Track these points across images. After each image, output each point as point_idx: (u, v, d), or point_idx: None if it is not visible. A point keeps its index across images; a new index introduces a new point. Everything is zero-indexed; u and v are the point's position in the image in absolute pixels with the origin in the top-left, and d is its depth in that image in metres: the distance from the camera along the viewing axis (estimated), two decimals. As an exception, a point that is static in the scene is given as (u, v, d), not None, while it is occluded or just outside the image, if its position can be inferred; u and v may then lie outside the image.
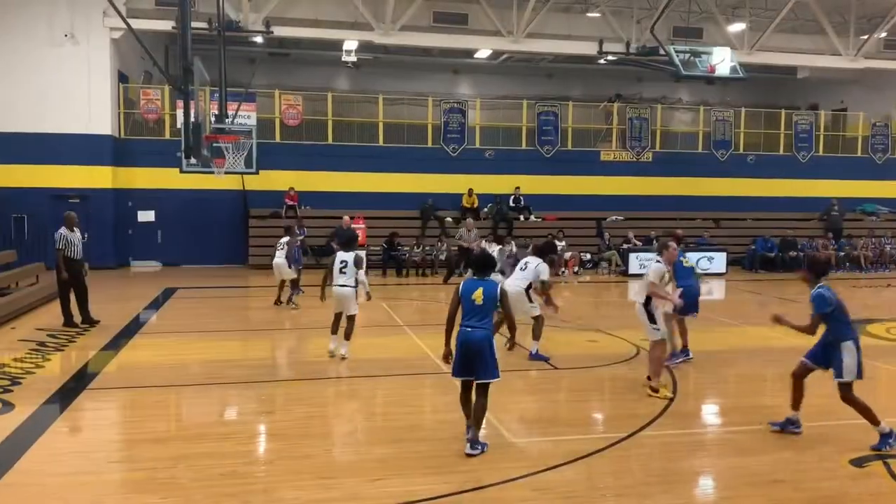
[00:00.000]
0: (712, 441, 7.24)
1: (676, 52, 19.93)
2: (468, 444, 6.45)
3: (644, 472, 6.20)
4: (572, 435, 7.15)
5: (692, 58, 20.05)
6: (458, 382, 6.66)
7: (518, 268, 10.35)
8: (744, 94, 29.86)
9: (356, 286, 9.83)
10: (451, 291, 6.71)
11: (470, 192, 23.52)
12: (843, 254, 23.19)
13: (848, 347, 6.75)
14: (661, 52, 21.38)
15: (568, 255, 21.63)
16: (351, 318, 9.81)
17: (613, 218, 24.18)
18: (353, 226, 19.94)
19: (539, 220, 23.62)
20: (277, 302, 14.51)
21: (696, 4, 22.53)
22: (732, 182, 25.59)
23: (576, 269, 21.68)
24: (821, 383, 9.74)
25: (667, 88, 30.54)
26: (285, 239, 14.55)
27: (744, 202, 25.49)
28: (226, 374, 9.48)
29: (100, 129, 20.72)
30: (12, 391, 8.30)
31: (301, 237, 17.87)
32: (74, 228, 12.37)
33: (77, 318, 12.26)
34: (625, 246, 21.90)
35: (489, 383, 6.46)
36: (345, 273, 9.73)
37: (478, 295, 6.44)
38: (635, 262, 21.12)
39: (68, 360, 9.99)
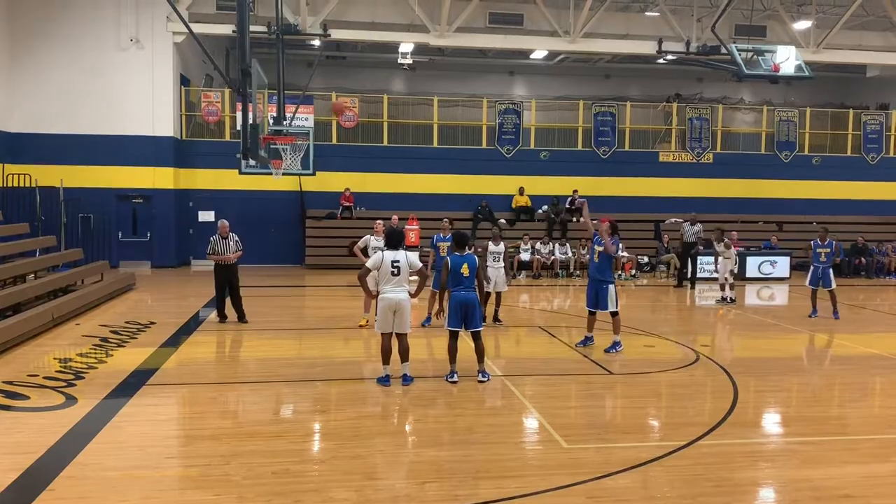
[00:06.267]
0: (775, 452, 6.96)
1: (739, 50, 19.35)
2: (479, 374, 8.95)
3: (702, 482, 5.99)
4: (628, 442, 6.98)
5: (755, 56, 19.46)
6: (448, 334, 8.98)
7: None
8: (809, 93, 28.95)
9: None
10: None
11: (521, 190, 23.37)
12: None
13: None
14: (723, 50, 20.83)
15: (625, 258, 21.28)
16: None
17: (672, 220, 23.69)
18: (406, 227, 20.04)
19: (594, 221, 23.27)
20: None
21: (759, 2, 21.92)
22: (797, 184, 24.86)
23: (633, 272, 21.30)
24: (891, 393, 9.34)
25: (728, 88, 29.84)
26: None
27: (808, 205, 24.70)
28: (281, 372, 9.58)
29: (162, 131, 21.26)
30: (75, 385, 8.54)
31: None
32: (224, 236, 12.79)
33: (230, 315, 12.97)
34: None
35: (480, 330, 8.97)
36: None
37: (465, 269, 8.89)
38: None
39: (129, 355, 10.22)
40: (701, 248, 19.39)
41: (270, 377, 9.35)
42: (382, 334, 8.75)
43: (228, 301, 12.90)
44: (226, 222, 12.86)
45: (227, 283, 12.79)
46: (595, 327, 11.11)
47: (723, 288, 16.55)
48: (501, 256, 12.77)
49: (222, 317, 12.88)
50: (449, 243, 12.46)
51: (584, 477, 5.99)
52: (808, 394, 9.22)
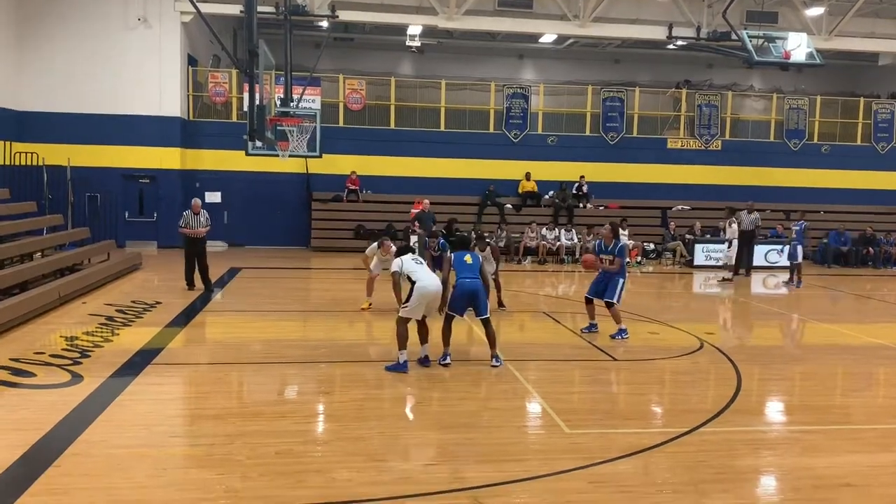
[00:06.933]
0: (777, 440, 6.97)
1: (750, 37, 19.20)
2: (493, 359, 8.94)
3: (704, 469, 6.00)
4: (630, 428, 6.99)
5: (766, 43, 19.30)
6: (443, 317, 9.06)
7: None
8: (819, 81, 28.71)
9: None
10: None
11: (528, 175, 23.30)
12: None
13: None
14: (734, 37, 20.66)
15: (630, 244, 21.22)
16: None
17: (679, 207, 23.62)
18: (413, 210, 20.00)
19: (601, 207, 23.30)
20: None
21: (771, -12, 21.73)
22: (805, 173, 24.72)
23: (639, 258, 21.25)
24: (895, 383, 9.30)
25: (738, 75, 29.60)
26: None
27: (817, 194, 24.57)
28: (285, 353, 9.62)
29: (170, 111, 21.24)
30: (81, 363, 8.59)
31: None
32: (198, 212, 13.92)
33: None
34: (688, 237, 21.35)
35: (488, 317, 9.05)
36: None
37: (468, 258, 9.06)
38: (701, 252, 20.62)
39: (135, 335, 10.27)
40: (761, 237, 19.25)
41: (275, 358, 9.38)
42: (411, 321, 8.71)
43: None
44: (198, 201, 14.18)
45: (196, 255, 13.91)
46: (596, 315, 11.09)
47: (735, 270, 17.64)
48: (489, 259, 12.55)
49: (190, 284, 13.86)
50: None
51: (586, 462, 6.01)
52: (811, 382, 9.21)
